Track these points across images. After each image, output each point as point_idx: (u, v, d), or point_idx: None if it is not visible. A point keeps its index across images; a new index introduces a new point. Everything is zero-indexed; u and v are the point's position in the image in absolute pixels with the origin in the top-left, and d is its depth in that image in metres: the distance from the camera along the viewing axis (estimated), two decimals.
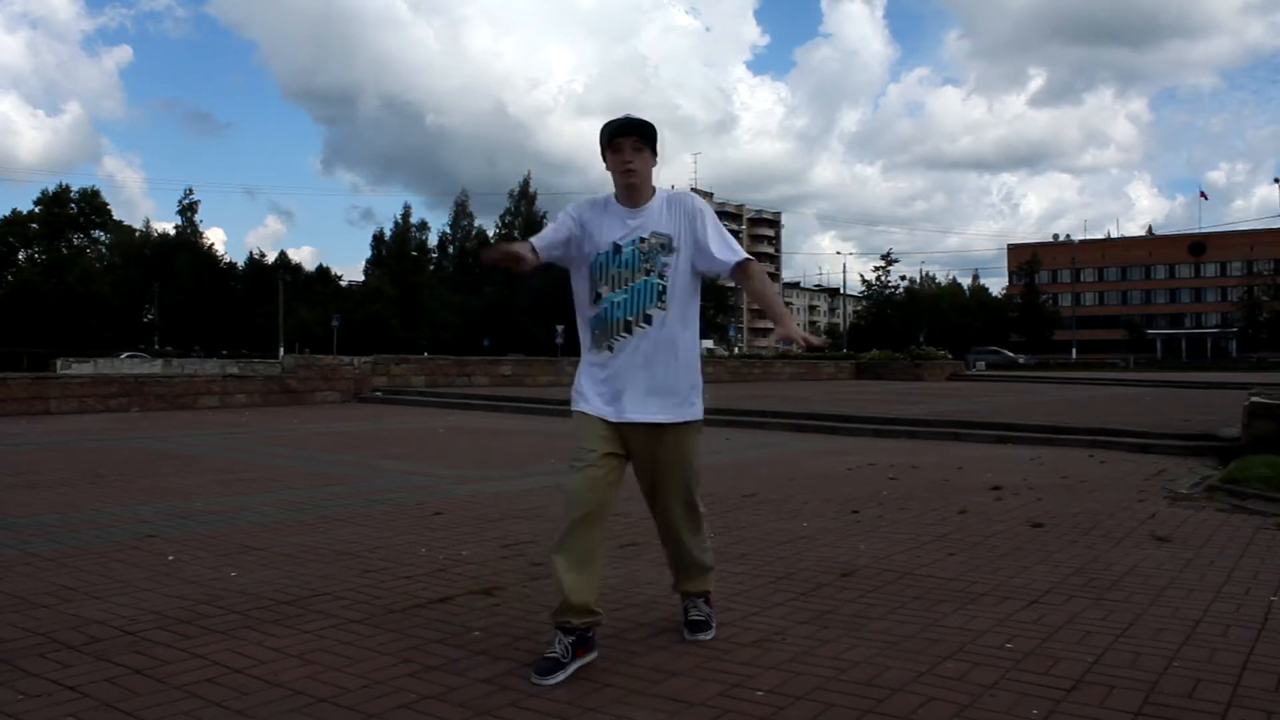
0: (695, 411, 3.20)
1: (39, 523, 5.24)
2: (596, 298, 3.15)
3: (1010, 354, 68.00)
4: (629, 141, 3.10)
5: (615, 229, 3.14)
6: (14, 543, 4.69)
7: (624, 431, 3.11)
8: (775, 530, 5.22)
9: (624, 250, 3.12)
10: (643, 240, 3.12)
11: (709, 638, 3.29)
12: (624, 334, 3.11)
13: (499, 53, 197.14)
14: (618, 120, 3.14)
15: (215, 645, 3.13)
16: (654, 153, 3.16)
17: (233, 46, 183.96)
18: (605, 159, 3.16)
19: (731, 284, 3.20)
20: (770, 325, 3.29)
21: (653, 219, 3.15)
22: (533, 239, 3.12)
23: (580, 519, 3.00)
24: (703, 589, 3.37)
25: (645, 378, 3.11)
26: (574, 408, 3.17)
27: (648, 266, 3.11)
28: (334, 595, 3.78)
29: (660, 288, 3.12)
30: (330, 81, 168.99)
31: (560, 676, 2.86)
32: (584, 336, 3.23)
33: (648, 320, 3.11)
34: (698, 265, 3.18)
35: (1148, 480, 7.35)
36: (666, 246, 3.13)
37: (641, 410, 3.10)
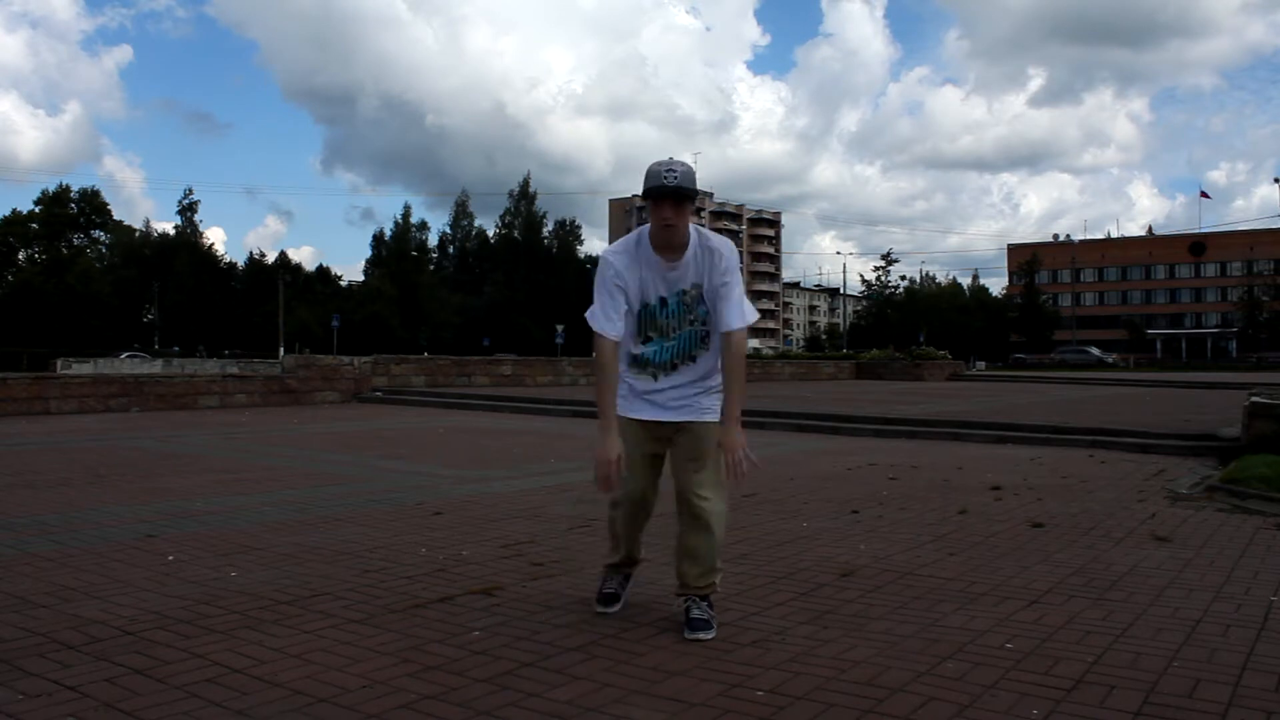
0: (715, 415, 3.40)
1: (39, 523, 5.24)
2: (646, 339, 3.40)
3: (1098, 351, 64.96)
4: (670, 202, 3.20)
5: (658, 284, 3.32)
6: (14, 543, 4.69)
7: (663, 430, 3.40)
8: (775, 530, 5.22)
9: (669, 303, 3.34)
10: (684, 293, 3.32)
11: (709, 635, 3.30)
12: (670, 372, 3.40)
13: (499, 52, 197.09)
14: (667, 181, 3.18)
15: (215, 645, 3.13)
16: (692, 201, 3.28)
17: (233, 46, 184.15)
18: (646, 205, 3.26)
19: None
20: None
21: (689, 272, 3.31)
22: (607, 328, 3.27)
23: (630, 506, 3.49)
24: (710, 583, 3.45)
25: (687, 394, 3.39)
26: (620, 414, 3.39)
27: (691, 318, 3.35)
28: (334, 595, 3.78)
29: (703, 334, 3.38)
30: (330, 81, 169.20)
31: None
32: (626, 358, 3.42)
33: (692, 359, 3.40)
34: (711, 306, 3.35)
35: (1148, 480, 7.35)
36: (700, 299, 3.34)
37: (677, 413, 3.38)
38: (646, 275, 3.30)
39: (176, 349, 63.10)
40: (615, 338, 3.29)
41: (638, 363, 3.42)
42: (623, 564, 3.67)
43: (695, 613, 3.35)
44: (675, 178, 3.18)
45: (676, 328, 3.34)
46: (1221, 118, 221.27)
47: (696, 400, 3.40)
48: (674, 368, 3.39)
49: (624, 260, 3.32)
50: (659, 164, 3.23)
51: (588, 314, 3.35)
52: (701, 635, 3.28)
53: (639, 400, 3.41)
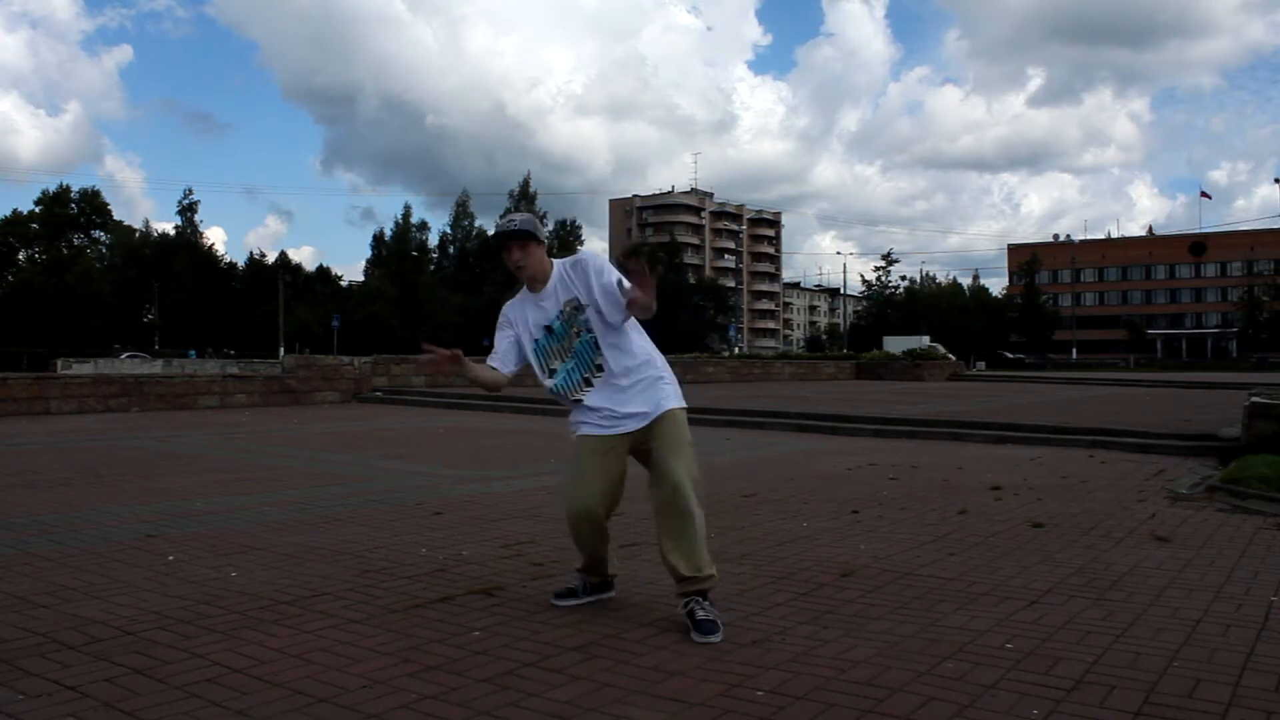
0: (672, 402, 3.54)
1: (39, 523, 5.24)
2: (551, 372, 3.59)
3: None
4: (515, 244, 3.50)
5: (538, 315, 3.57)
6: (14, 543, 4.69)
7: (620, 440, 3.50)
8: (775, 530, 5.22)
9: (555, 329, 3.55)
10: (561, 313, 3.53)
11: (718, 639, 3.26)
12: (587, 387, 3.55)
13: (499, 52, 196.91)
14: (499, 229, 3.57)
15: (215, 645, 3.14)
16: (539, 241, 3.57)
17: (233, 46, 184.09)
18: (502, 258, 3.57)
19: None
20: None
21: (558, 293, 3.55)
22: (493, 360, 3.60)
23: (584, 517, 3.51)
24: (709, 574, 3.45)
25: (621, 400, 3.50)
26: (575, 433, 3.59)
27: (575, 330, 3.53)
28: (334, 595, 3.78)
29: (593, 340, 3.52)
30: (330, 81, 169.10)
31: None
32: (547, 389, 3.63)
33: (599, 368, 3.54)
34: (609, 307, 3.48)
35: (1148, 480, 7.35)
36: (579, 308, 3.52)
37: (626, 423, 3.49)
38: (530, 313, 3.59)
39: (193, 353, 62.49)
40: (503, 371, 3.59)
41: (564, 397, 3.59)
42: (588, 570, 3.70)
43: (700, 614, 3.31)
44: (515, 224, 3.53)
45: (569, 346, 3.54)
46: (1222, 118, 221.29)
47: (647, 396, 3.50)
48: (589, 384, 3.54)
49: (513, 305, 3.66)
50: (501, 218, 3.64)
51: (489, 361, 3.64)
52: (711, 638, 3.23)
53: (595, 417, 3.53)
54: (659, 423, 3.49)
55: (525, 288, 3.62)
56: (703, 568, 3.37)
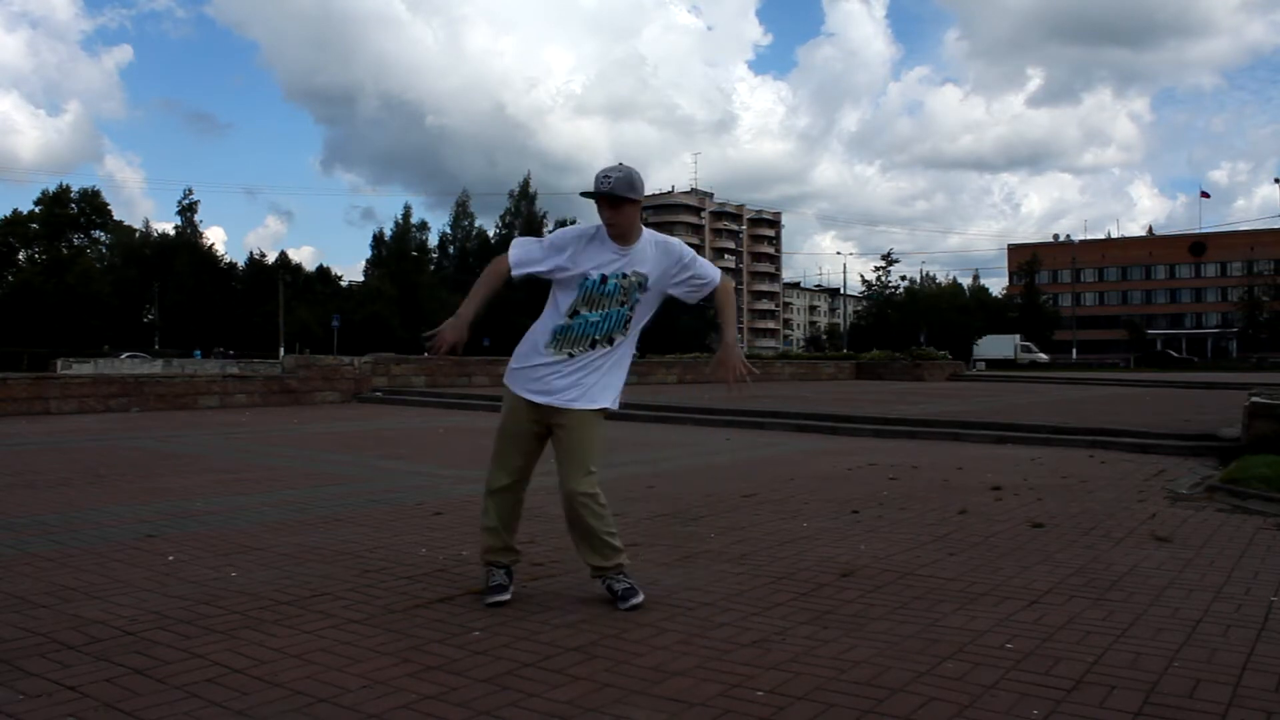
0: (606, 401, 3.63)
1: (39, 523, 5.23)
2: (574, 313, 3.56)
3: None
4: (604, 202, 3.50)
5: (606, 261, 3.55)
6: (14, 543, 4.69)
7: (546, 414, 3.58)
8: (775, 530, 5.22)
9: (609, 281, 3.55)
10: (625, 276, 3.56)
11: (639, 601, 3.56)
12: (588, 349, 3.57)
13: (499, 52, 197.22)
14: (598, 185, 3.49)
15: (215, 645, 3.13)
16: (631, 202, 3.53)
17: (233, 46, 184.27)
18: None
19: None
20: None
21: (637, 258, 3.58)
22: (519, 254, 3.60)
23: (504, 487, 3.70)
24: (618, 562, 3.67)
25: (589, 381, 3.57)
26: (506, 383, 3.68)
27: (623, 299, 3.57)
28: (334, 595, 3.78)
29: (627, 318, 3.60)
30: (330, 81, 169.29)
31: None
32: (543, 333, 3.61)
33: (610, 342, 3.60)
34: (680, 293, 3.71)
35: (1148, 480, 7.35)
36: (642, 285, 3.59)
37: (566, 399, 3.56)
38: (600, 251, 3.55)
39: (198, 353, 62.17)
40: (516, 273, 3.58)
41: (558, 336, 3.58)
42: (500, 551, 3.73)
43: (618, 585, 3.62)
44: (609, 183, 3.48)
45: (608, 305, 3.55)
46: (1222, 118, 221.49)
47: (590, 386, 3.57)
48: (593, 345, 3.57)
49: (575, 234, 3.62)
50: (602, 171, 3.55)
51: (512, 243, 3.64)
52: (634, 601, 3.55)
53: (532, 381, 3.59)
54: (584, 417, 3.57)
55: (604, 228, 3.59)
56: (614, 556, 3.65)
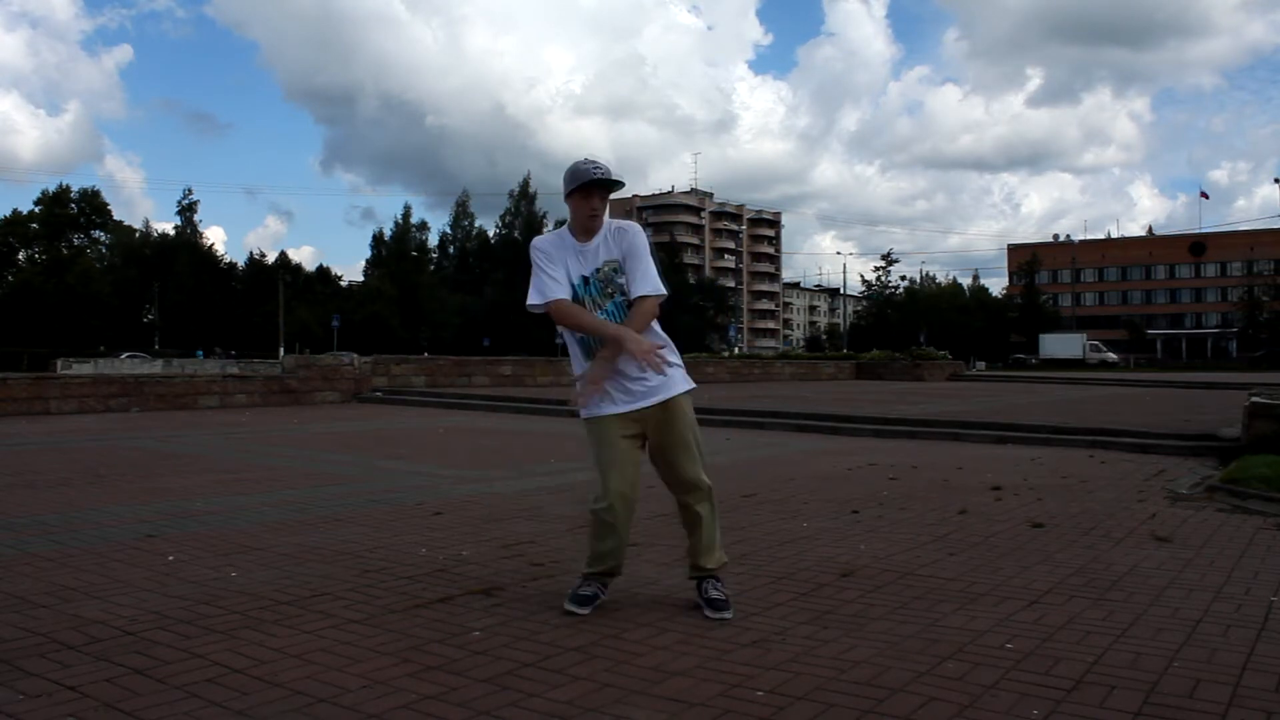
0: (686, 383, 3.67)
1: (39, 523, 5.23)
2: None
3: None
4: (599, 192, 3.51)
5: (577, 263, 3.57)
6: (14, 543, 4.69)
7: (637, 417, 3.54)
8: (775, 530, 5.22)
9: (590, 282, 3.56)
10: (598, 270, 3.56)
11: (730, 616, 3.50)
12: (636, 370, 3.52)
13: (499, 52, 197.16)
14: (589, 171, 3.48)
15: (215, 645, 3.13)
16: (614, 191, 3.56)
17: (233, 46, 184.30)
18: (569, 197, 3.53)
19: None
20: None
21: (601, 251, 3.57)
22: (557, 291, 3.53)
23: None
24: (723, 561, 3.67)
25: (638, 374, 3.51)
26: (586, 415, 3.60)
27: (610, 290, 3.56)
28: (334, 595, 3.78)
29: (626, 304, 3.56)
30: (330, 82, 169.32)
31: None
32: (575, 352, 3.64)
33: None
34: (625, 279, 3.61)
35: (1148, 480, 7.35)
36: (618, 269, 3.57)
37: (646, 398, 3.54)
38: (570, 257, 3.58)
39: (200, 353, 62.01)
40: (565, 296, 3.52)
41: (586, 353, 3.59)
42: (604, 574, 3.67)
43: (713, 593, 3.57)
44: (601, 170, 3.49)
45: (600, 304, 3.56)
46: (1222, 118, 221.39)
47: (663, 380, 3.53)
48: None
49: (551, 246, 3.61)
50: (585, 161, 3.54)
51: (529, 300, 3.56)
52: (726, 615, 3.49)
53: (608, 396, 3.54)
54: (669, 412, 3.56)
55: (566, 231, 3.62)
56: (719, 556, 3.65)
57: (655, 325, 3.65)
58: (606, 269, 3.55)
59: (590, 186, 3.49)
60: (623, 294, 3.56)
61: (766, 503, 6.13)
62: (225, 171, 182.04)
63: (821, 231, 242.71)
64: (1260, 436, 8.10)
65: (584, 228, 3.57)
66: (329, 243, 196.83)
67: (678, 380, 3.61)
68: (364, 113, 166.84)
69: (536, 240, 3.66)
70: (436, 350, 54.38)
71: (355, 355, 18.17)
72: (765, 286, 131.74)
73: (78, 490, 6.42)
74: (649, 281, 3.54)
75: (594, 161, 3.55)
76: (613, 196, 3.64)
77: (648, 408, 3.54)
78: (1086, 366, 54.64)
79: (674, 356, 3.61)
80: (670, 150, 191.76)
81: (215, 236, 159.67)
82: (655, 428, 3.58)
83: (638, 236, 3.63)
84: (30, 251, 74.91)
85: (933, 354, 34.28)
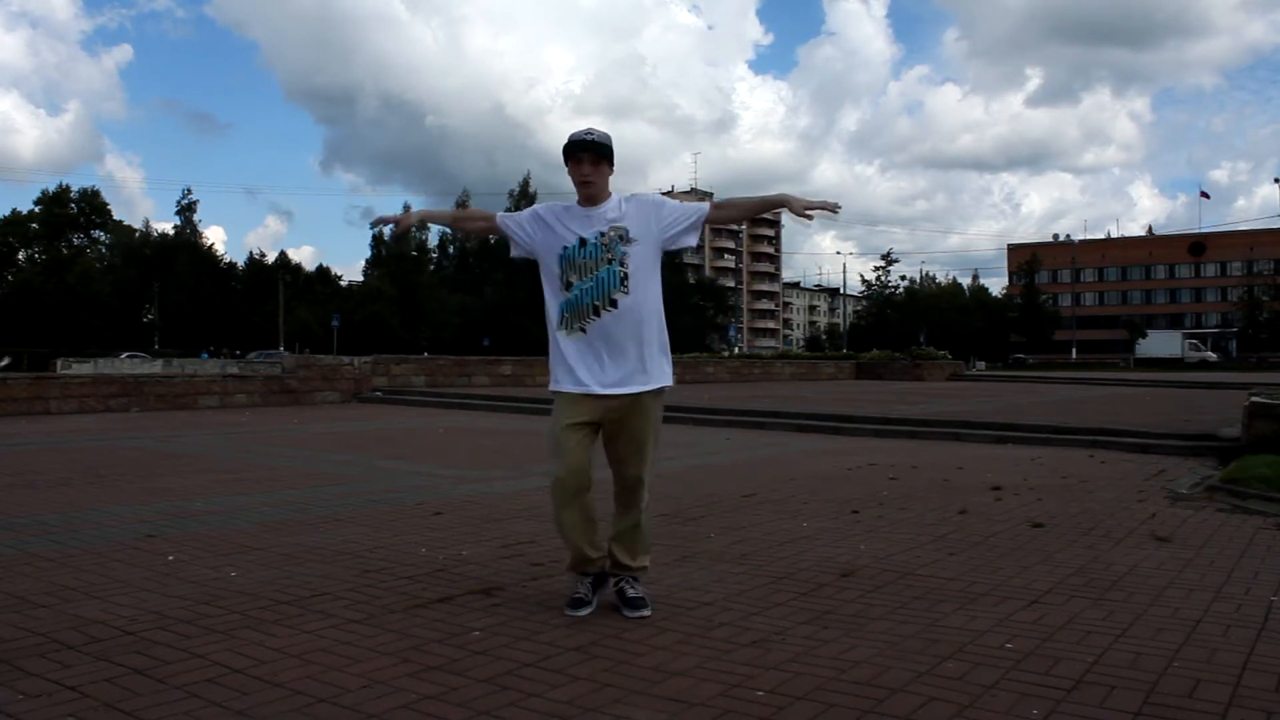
0: (664, 379, 3.59)
1: (39, 523, 5.24)
2: (568, 285, 3.55)
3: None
4: (587, 156, 3.51)
5: (579, 225, 3.56)
6: (14, 543, 4.69)
7: (597, 403, 3.49)
8: (775, 530, 5.22)
9: (588, 243, 3.52)
10: (603, 234, 3.52)
11: (648, 614, 3.51)
12: (593, 317, 3.51)
13: (498, 52, 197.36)
14: (578, 136, 3.55)
15: (215, 645, 3.13)
16: (610, 164, 3.58)
17: (233, 46, 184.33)
18: (568, 168, 3.57)
19: (730, 237, 3.80)
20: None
21: (611, 213, 3.56)
22: (499, 216, 3.82)
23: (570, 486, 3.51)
24: (644, 564, 3.67)
25: (616, 354, 3.50)
26: (552, 389, 3.60)
27: (609, 256, 3.51)
28: (334, 595, 3.78)
29: (622, 275, 3.51)
30: (330, 82, 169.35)
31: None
32: (554, 318, 3.60)
33: (613, 304, 3.51)
34: (674, 238, 3.61)
35: (1148, 480, 7.35)
36: (624, 237, 3.53)
37: (616, 385, 3.49)
38: (572, 221, 3.58)
39: (205, 354, 61.79)
40: (498, 219, 3.79)
41: (565, 319, 3.56)
42: (578, 564, 3.64)
43: (631, 592, 3.59)
44: (592, 136, 3.53)
45: (594, 267, 3.51)
46: (1222, 117, 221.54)
47: (638, 368, 3.51)
48: (597, 314, 3.50)
49: (555, 207, 3.68)
50: (577, 130, 3.58)
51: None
52: (644, 612, 3.51)
53: (573, 369, 3.53)
54: (632, 409, 3.51)
55: (575, 203, 3.63)
56: (644, 558, 3.66)
57: (658, 330, 3.60)
58: (612, 233, 3.51)
59: (576, 151, 3.51)
60: (620, 262, 3.50)
61: (766, 503, 6.13)
62: (225, 171, 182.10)
63: (821, 231, 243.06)
64: (1260, 436, 8.09)
65: (583, 195, 3.57)
66: (329, 243, 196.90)
67: (652, 375, 3.55)
68: (364, 113, 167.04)
69: (546, 203, 3.76)
70: (436, 350, 54.37)
71: (356, 358, 18.17)
72: (765, 286, 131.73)
73: (78, 490, 6.42)
74: (689, 206, 3.63)
75: (588, 129, 3.57)
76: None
77: (611, 396, 3.49)
78: (1185, 366, 53.61)
79: (661, 353, 3.60)
80: (670, 150, 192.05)
81: (215, 236, 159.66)
82: (614, 419, 3.53)
83: (643, 196, 3.67)
84: (30, 251, 74.91)
85: (933, 354, 34.27)
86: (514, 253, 3.76)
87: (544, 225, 3.64)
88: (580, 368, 3.51)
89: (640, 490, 3.58)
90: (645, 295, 3.55)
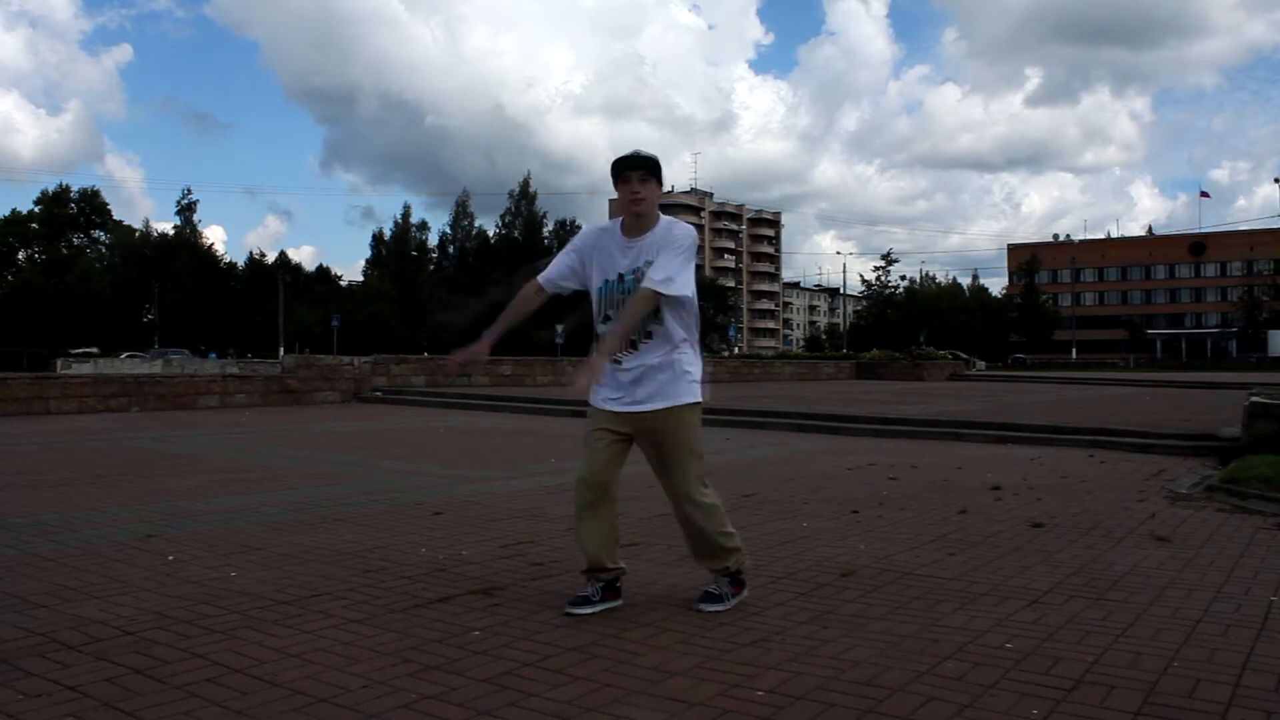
0: (690, 395, 3.57)
1: (39, 523, 5.24)
2: (605, 318, 3.56)
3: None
4: (636, 175, 3.47)
5: (618, 261, 3.54)
6: (14, 543, 4.69)
7: (624, 419, 3.53)
8: (775, 530, 5.22)
9: (625, 279, 3.52)
10: (636, 271, 3.50)
11: (716, 609, 3.56)
12: (630, 349, 3.51)
13: (498, 52, 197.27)
14: (628, 154, 3.53)
15: (215, 645, 3.13)
16: (659, 182, 3.54)
17: (233, 46, 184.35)
18: (617, 190, 3.55)
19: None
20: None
21: (648, 249, 3.50)
22: (543, 277, 3.64)
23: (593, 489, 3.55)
24: (719, 565, 3.66)
25: (646, 378, 3.51)
26: (590, 402, 3.62)
27: None
28: (334, 595, 3.78)
29: (654, 307, 3.48)
30: (330, 82, 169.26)
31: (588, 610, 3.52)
32: (594, 341, 3.58)
33: (649, 335, 3.51)
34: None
35: (1148, 480, 7.35)
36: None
37: (640, 403, 3.52)
38: (612, 250, 3.56)
39: (213, 355, 61.63)
40: (542, 282, 3.62)
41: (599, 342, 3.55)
42: (592, 570, 3.61)
43: (707, 587, 3.66)
44: (640, 154, 3.51)
45: (623, 303, 3.50)
46: (1222, 117, 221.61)
47: (665, 385, 3.51)
48: (632, 345, 3.51)
49: (595, 231, 3.65)
50: (625, 153, 3.56)
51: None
52: (708, 608, 3.56)
53: (606, 389, 3.55)
54: (663, 425, 3.52)
55: (618, 227, 3.58)
56: (721, 559, 3.65)
57: (679, 325, 3.54)
58: (645, 267, 3.46)
59: (625, 170, 3.48)
60: None
61: (766, 503, 6.13)
62: (225, 171, 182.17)
63: (821, 231, 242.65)
64: (1260, 436, 8.10)
65: (630, 216, 3.52)
66: (329, 243, 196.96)
67: (681, 391, 3.52)
68: (364, 113, 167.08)
69: (589, 225, 3.74)
70: (436, 350, 54.33)
71: (356, 358, 18.18)
72: (765, 286, 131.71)
73: (78, 490, 6.42)
74: (659, 273, 3.41)
75: (637, 149, 3.56)
76: (613, 196, 3.65)
77: (639, 413, 3.51)
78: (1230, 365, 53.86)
79: (694, 364, 3.59)
80: (670, 150, 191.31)
81: (215, 236, 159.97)
82: (646, 435, 3.55)
83: (676, 228, 3.55)
84: (30, 251, 74.98)
85: (933, 354, 34.29)
86: (559, 286, 3.68)
87: (585, 262, 3.60)
88: (610, 385, 3.54)
89: (684, 506, 3.58)
90: (680, 324, 3.56)
